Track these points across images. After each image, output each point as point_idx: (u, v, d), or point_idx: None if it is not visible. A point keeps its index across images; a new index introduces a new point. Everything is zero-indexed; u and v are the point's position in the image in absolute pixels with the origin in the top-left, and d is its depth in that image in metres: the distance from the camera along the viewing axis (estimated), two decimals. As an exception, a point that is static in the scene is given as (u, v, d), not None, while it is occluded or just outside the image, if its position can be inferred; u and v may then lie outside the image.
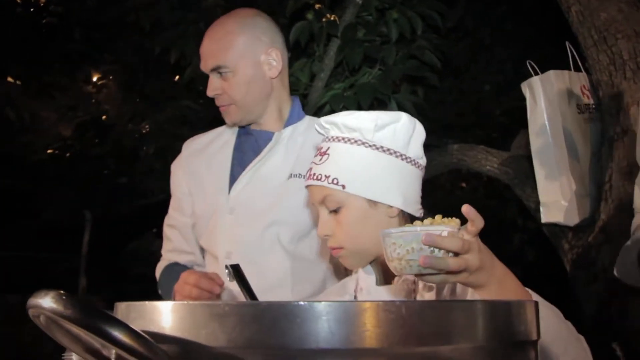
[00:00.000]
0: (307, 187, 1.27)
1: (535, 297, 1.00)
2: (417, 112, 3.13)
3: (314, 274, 1.64)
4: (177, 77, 4.00)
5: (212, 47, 1.66)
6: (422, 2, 3.04)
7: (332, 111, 2.96)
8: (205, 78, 3.59)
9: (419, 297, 1.20)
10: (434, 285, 1.18)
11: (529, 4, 3.74)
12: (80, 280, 5.84)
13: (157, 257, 1.95)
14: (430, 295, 1.19)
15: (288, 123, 1.74)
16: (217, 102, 1.71)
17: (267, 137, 1.74)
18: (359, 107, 2.91)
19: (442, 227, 0.92)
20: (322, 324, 0.52)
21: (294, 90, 3.23)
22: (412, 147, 1.23)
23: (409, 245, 0.91)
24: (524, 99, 2.22)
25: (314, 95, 3.17)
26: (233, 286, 1.51)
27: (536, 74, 2.14)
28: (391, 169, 1.21)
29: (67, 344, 0.62)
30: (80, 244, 5.72)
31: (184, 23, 3.44)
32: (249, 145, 1.77)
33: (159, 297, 1.81)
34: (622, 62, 1.99)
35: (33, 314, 0.59)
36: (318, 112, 3.16)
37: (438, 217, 0.96)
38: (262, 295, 1.56)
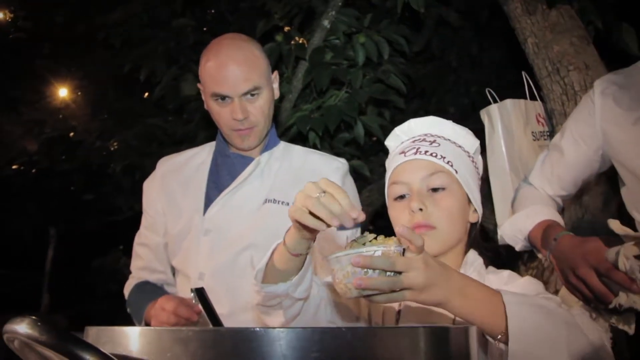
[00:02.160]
0: (404, 163, 1.24)
1: (507, 299, 0.97)
2: (383, 134, 3.21)
3: None
4: (146, 94, 4.02)
5: (245, 70, 1.63)
6: (389, 27, 3.12)
7: (299, 132, 3.01)
8: (174, 96, 3.59)
9: None
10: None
11: (493, 30, 3.86)
12: (43, 297, 5.74)
13: (123, 274, 1.96)
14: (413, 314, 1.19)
15: (266, 148, 1.78)
16: (242, 125, 1.68)
17: (245, 161, 1.76)
18: (326, 129, 2.97)
19: (375, 248, 0.91)
20: (276, 348, 0.57)
21: (262, 110, 3.29)
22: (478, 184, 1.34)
23: (344, 269, 0.92)
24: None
25: (282, 115, 3.22)
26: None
27: (495, 101, 2.23)
28: (477, 186, 1.31)
29: (39, 367, 0.65)
30: (44, 260, 5.63)
31: (154, 41, 3.47)
32: (226, 168, 1.79)
33: (124, 315, 1.81)
34: (573, 93, 2.09)
35: (8, 339, 0.63)
36: (285, 133, 3.21)
37: (381, 237, 0.97)
38: (235, 317, 1.57)
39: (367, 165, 3.40)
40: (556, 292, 2.16)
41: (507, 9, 2.29)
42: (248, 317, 1.59)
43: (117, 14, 3.51)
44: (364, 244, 0.94)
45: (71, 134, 4.23)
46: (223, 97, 1.66)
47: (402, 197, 1.25)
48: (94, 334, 0.68)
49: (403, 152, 1.27)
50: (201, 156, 1.86)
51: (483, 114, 2.20)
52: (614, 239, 1.31)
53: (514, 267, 2.43)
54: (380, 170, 3.99)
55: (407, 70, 3.23)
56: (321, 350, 0.57)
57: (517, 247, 1.70)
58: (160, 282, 1.84)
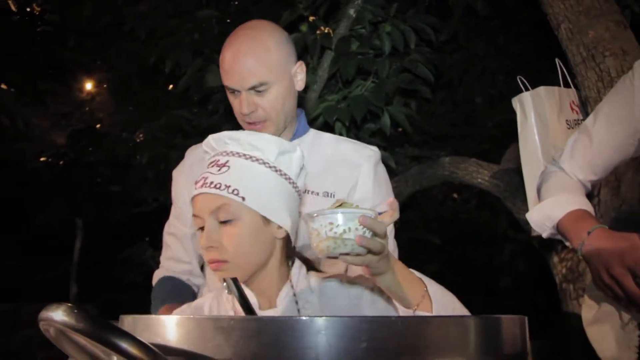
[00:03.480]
0: (196, 195, 1.25)
1: (422, 276, 1.11)
2: (410, 124, 3.18)
3: None
4: (171, 86, 4.02)
5: (252, 64, 1.59)
6: (416, 16, 3.08)
7: (326, 123, 2.99)
8: (199, 88, 3.59)
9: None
10: (314, 300, 1.24)
11: (521, 19, 3.79)
12: (71, 288, 5.82)
13: (149, 265, 1.95)
14: (313, 312, 1.23)
15: (295, 136, 1.73)
16: (249, 119, 1.65)
17: None
18: (353, 119, 2.94)
19: (371, 212, 1.01)
20: (321, 338, 0.55)
21: (287, 101, 3.27)
22: (300, 177, 1.33)
23: (345, 225, 0.98)
24: (515, 112, 2.26)
25: (307, 106, 3.20)
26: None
27: (526, 89, 2.18)
28: (285, 193, 1.28)
29: (75, 355, 0.64)
30: (71, 251, 5.71)
31: (179, 33, 3.47)
32: None
33: (149, 305, 1.81)
34: (609, 79, 2.03)
35: (44, 327, 0.61)
36: (311, 124, 3.19)
37: (348, 203, 1.04)
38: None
39: (393, 156, 3.37)
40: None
41: (540, -6, 2.24)
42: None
43: (143, 5, 3.51)
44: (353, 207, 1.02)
45: (97, 126, 4.26)
46: (233, 90, 1.64)
47: (202, 229, 1.25)
48: (130, 322, 0.66)
49: (196, 182, 1.27)
50: None
51: (515, 102, 2.15)
52: None
53: (548, 260, 2.39)
54: (405, 162, 3.95)
55: (436, 59, 3.19)
56: (370, 339, 0.55)
57: (544, 235, 1.65)
58: (186, 273, 1.81)
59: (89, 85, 4.48)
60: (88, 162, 4.43)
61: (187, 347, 0.58)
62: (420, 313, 1.06)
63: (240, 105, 1.62)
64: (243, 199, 1.22)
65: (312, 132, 1.78)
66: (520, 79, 2.22)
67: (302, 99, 3.26)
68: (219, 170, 1.26)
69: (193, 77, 3.39)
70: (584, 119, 2.16)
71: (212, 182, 1.23)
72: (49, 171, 4.55)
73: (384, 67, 2.95)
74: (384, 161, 3.13)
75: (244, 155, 1.27)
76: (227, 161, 1.27)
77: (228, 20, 3.82)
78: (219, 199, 1.22)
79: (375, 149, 1.79)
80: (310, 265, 1.54)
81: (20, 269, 5.69)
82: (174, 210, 1.83)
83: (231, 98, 1.66)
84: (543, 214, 1.62)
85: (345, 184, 1.69)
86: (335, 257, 1.01)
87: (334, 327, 0.55)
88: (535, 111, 2.06)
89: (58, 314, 0.56)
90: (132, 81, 4.14)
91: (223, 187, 1.23)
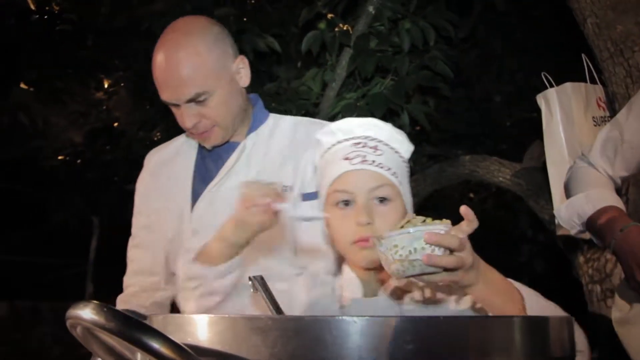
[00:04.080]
0: (351, 171, 1.21)
1: (520, 286, 1.04)
2: (428, 122, 3.14)
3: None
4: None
5: (185, 75, 1.45)
6: (435, 13, 3.04)
7: (345, 121, 2.96)
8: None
9: (405, 308, 1.19)
10: (415, 296, 1.18)
11: (540, 14, 3.74)
12: (87, 286, 5.84)
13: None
14: (414, 308, 1.18)
15: (252, 128, 1.60)
16: (195, 130, 1.52)
17: (231, 147, 1.59)
18: (372, 117, 2.91)
19: (440, 227, 0.95)
20: (365, 338, 0.52)
21: (305, 99, 3.26)
22: None
23: (411, 245, 0.93)
24: (534, 110, 2.22)
25: (325, 104, 3.17)
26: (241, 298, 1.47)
27: (551, 85, 2.14)
28: (410, 195, 1.29)
29: (102, 355, 0.62)
30: (87, 250, 5.73)
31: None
32: (211, 158, 1.62)
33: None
34: (638, 75, 1.98)
35: (71, 325, 0.59)
36: (330, 122, 3.16)
37: (429, 219, 0.98)
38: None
39: (411, 155, 3.33)
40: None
41: (565, -12, 2.19)
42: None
43: (160, 3, 3.51)
44: (420, 224, 0.97)
45: (115, 124, 4.27)
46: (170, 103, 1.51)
47: (345, 204, 1.22)
48: (160, 321, 0.63)
49: (347, 159, 1.22)
50: (186, 147, 1.67)
51: (540, 99, 2.11)
52: None
53: (573, 260, 2.34)
54: (422, 160, 3.91)
55: (453, 56, 3.15)
56: (415, 340, 0.52)
57: (573, 232, 1.62)
58: (153, 288, 1.67)
59: (106, 84, 4.48)
60: (105, 160, 4.43)
61: (220, 347, 0.56)
62: None
63: (182, 119, 1.49)
64: (400, 183, 1.22)
65: (272, 120, 1.64)
66: (544, 75, 2.18)
67: (320, 97, 3.24)
68: (374, 151, 1.23)
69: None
70: (611, 116, 2.11)
71: (373, 161, 1.21)
72: (66, 169, 4.56)
73: (404, 65, 2.92)
74: (403, 160, 3.12)
75: (388, 145, 1.25)
76: (377, 146, 1.24)
77: (245, 19, 3.81)
78: (381, 178, 1.20)
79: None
80: None
81: (36, 267, 5.73)
82: (139, 221, 1.69)
83: (172, 109, 1.53)
84: (572, 211, 1.59)
85: (299, 172, 1.55)
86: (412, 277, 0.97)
87: (378, 327, 0.52)
88: (561, 108, 2.02)
89: (87, 312, 0.53)
90: (149, 80, 4.13)
91: (386, 167, 1.22)
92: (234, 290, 1.22)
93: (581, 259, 2.24)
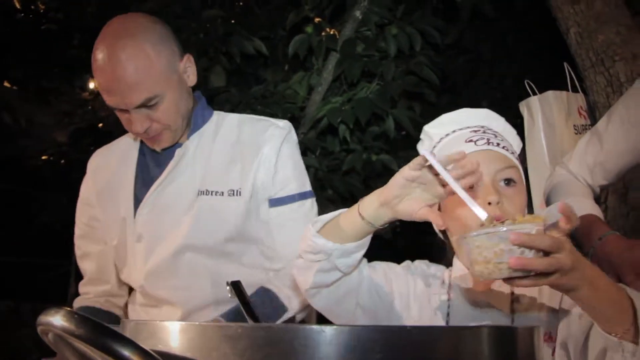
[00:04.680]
0: (477, 152, 1.16)
1: (633, 294, 0.94)
2: (414, 128, 3.15)
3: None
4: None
5: (134, 81, 1.37)
6: (422, 19, 3.06)
7: (330, 125, 2.97)
8: (202, 88, 3.57)
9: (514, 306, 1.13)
10: (528, 294, 1.13)
11: (529, 21, 3.77)
12: (70, 287, 5.79)
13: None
14: (529, 301, 1.12)
15: (194, 129, 1.55)
16: (146, 135, 1.47)
17: (173, 149, 1.53)
18: (357, 122, 2.92)
19: (530, 226, 0.84)
20: (334, 348, 0.52)
21: (291, 103, 3.26)
22: None
23: (496, 247, 0.83)
24: (520, 116, 2.24)
25: (311, 108, 3.18)
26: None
27: (534, 93, 2.17)
28: None
29: (74, 361, 0.62)
30: (71, 250, 5.68)
31: (184, 32, 3.45)
32: (153, 159, 1.57)
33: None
34: (619, 84, 2.01)
35: (42, 331, 0.59)
36: (315, 125, 3.17)
37: (519, 216, 0.90)
38: (189, 319, 1.44)
39: (396, 160, 3.35)
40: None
41: (549, -2, 2.22)
42: (204, 315, 1.46)
43: (149, 4, 3.50)
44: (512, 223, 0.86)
45: (100, 124, 4.24)
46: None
47: (470, 187, 1.12)
48: (132, 328, 0.63)
49: (471, 141, 1.18)
50: (127, 149, 1.61)
51: (522, 106, 2.14)
52: None
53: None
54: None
55: (440, 63, 3.17)
56: (384, 350, 0.52)
57: None
58: (106, 294, 1.64)
59: (91, 84, 4.46)
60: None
61: (191, 354, 0.56)
62: (625, 344, 0.90)
63: (131, 125, 1.44)
64: (521, 170, 1.19)
65: (215, 118, 1.59)
66: (527, 82, 2.20)
67: (306, 101, 3.24)
68: (495, 137, 1.20)
69: (197, 77, 3.37)
70: (592, 124, 2.14)
71: (498, 144, 1.18)
72: (50, 169, 4.53)
73: (390, 70, 2.93)
74: (387, 165, 3.13)
75: (502, 136, 1.23)
76: (495, 134, 1.22)
77: (233, 21, 3.80)
78: (508, 160, 1.18)
79: (283, 124, 1.58)
80: None
81: (19, 267, 5.68)
82: (82, 230, 1.65)
83: (118, 113, 1.47)
84: (552, 218, 1.59)
85: (247, 174, 1.51)
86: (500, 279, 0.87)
87: (348, 336, 0.53)
88: (543, 115, 2.04)
89: (57, 319, 0.53)
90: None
91: (510, 151, 1.20)
92: (355, 270, 1.16)
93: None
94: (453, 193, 0.96)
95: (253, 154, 1.51)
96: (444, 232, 1.25)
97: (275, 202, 1.52)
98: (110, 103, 1.42)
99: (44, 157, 4.50)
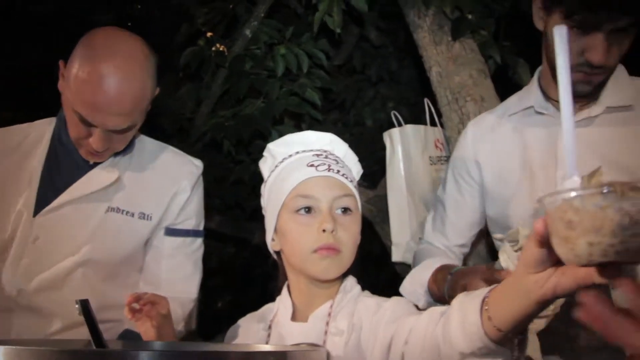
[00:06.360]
0: (316, 177, 1.17)
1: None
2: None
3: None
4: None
5: (127, 108, 1.38)
6: (310, 41, 3.20)
7: (213, 139, 3.04)
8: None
9: (328, 341, 1.13)
10: (343, 329, 1.14)
11: (412, 49, 4.01)
12: None
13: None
14: (339, 340, 1.13)
15: (126, 151, 1.58)
16: (92, 150, 1.46)
17: (86, 164, 1.54)
18: (240, 138, 3.01)
19: None
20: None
21: (180, 114, 3.29)
22: None
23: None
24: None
25: (199, 120, 3.24)
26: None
27: (399, 124, 2.34)
28: None
29: None
30: None
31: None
32: (66, 163, 1.54)
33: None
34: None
35: None
36: (201, 138, 3.23)
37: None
38: (67, 333, 1.44)
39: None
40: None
41: (416, 37, 2.42)
42: (82, 332, 1.38)
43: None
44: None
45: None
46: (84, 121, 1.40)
47: (307, 211, 1.18)
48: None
49: (312, 165, 1.20)
50: (40, 135, 1.55)
51: (386, 136, 2.31)
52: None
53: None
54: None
55: (327, 82, 3.31)
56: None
57: (420, 304, 1.61)
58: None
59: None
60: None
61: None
62: None
63: (92, 142, 1.42)
64: (357, 198, 1.21)
65: (135, 140, 1.61)
66: (394, 114, 2.39)
67: (194, 112, 3.29)
68: (337, 163, 1.21)
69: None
70: (447, 156, 2.36)
71: (338, 171, 1.19)
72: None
73: (275, 89, 3.04)
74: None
75: (344, 162, 1.26)
76: (337, 159, 1.23)
77: (129, 24, 3.78)
78: (346, 188, 1.19)
79: (198, 163, 1.66)
80: None
81: None
82: None
83: (77, 121, 1.42)
84: (414, 282, 1.65)
85: (162, 202, 1.56)
86: None
87: (161, 358, 0.61)
88: (402, 147, 2.22)
89: None
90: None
91: (350, 179, 1.21)
92: None
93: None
94: None
95: (170, 185, 1.57)
96: (278, 253, 1.28)
97: (171, 232, 1.58)
98: (90, 119, 1.37)
99: None
